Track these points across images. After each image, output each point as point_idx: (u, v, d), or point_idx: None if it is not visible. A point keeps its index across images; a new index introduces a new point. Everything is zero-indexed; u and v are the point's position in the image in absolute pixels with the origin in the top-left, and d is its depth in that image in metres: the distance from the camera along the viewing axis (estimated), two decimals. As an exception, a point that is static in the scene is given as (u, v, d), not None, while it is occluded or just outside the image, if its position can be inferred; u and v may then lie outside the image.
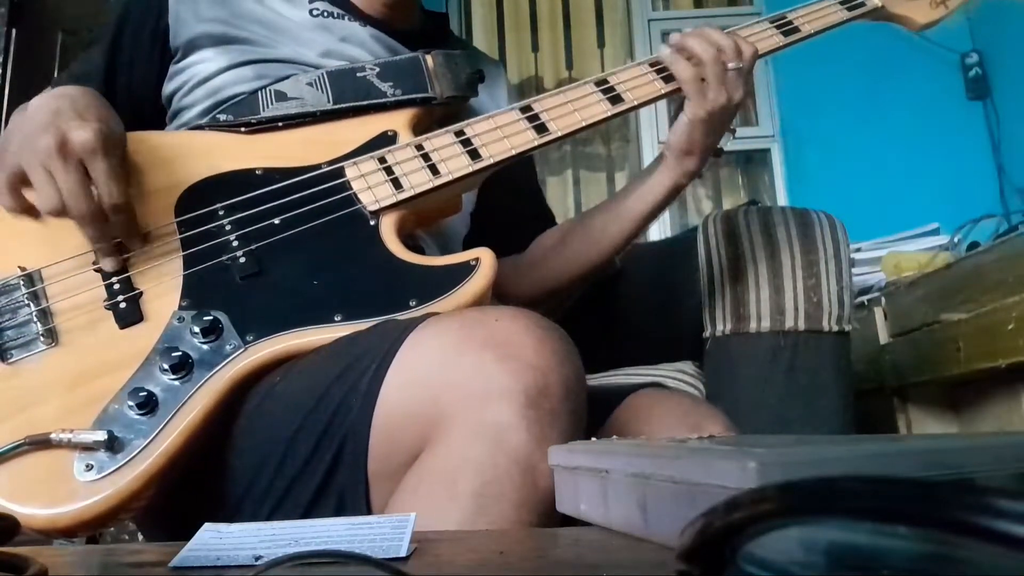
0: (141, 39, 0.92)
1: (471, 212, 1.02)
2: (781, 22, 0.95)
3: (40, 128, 0.70)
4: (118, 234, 0.74)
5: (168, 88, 0.91)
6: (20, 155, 0.72)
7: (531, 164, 1.16)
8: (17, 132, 0.74)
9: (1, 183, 0.73)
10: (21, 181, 0.72)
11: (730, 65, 0.87)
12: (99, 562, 0.51)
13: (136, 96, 0.92)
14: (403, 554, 0.41)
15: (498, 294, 1.04)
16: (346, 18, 0.94)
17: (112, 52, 0.92)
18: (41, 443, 0.65)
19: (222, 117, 0.85)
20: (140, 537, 0.90)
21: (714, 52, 0.87)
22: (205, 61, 0.89)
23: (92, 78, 0.90)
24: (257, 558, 0.41)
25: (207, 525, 0.47)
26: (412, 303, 0.73)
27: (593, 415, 0.67)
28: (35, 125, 0.71)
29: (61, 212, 0.71)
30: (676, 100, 0.91)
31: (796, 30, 0.95)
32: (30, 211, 0.73)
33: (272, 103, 0.85)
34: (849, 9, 0.97)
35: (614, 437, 0.60)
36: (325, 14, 0.93)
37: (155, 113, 0.92)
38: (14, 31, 2.20)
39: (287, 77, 0.88)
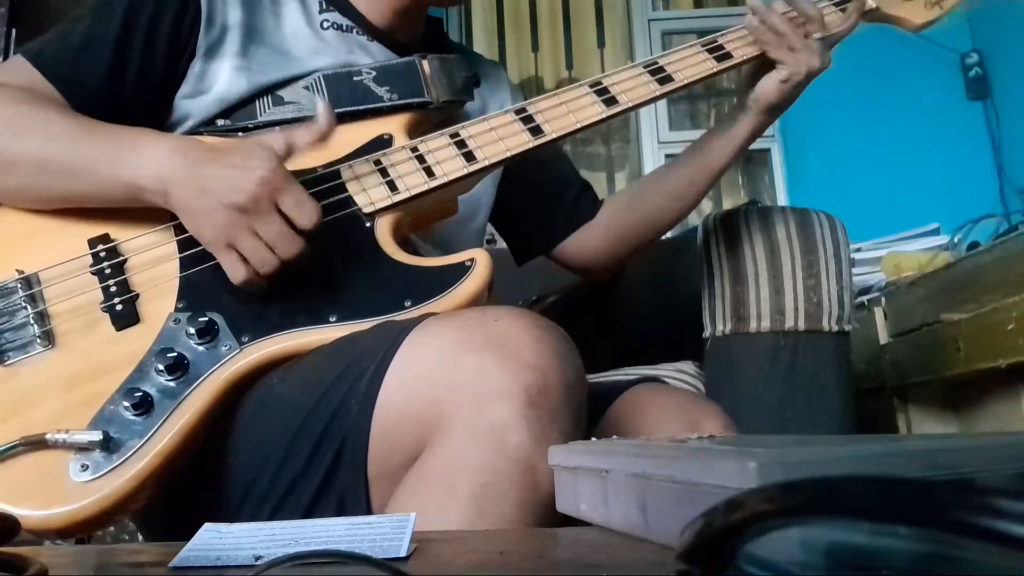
0: (159, 25, 0.84)
1: (488, 211, 1.03)
2: None
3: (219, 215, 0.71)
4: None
5: (182, 89, 0.86)
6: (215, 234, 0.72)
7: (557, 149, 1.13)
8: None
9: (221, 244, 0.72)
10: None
11: (816, 35, 0.92)
12: (99, 562, 0.51)
13: (147, 79, 0.84)
14: (403, 554, 0.41)
15: (582, 270, 1.10)
16: (355, 31, 0.93)
17: (126, 27, 0.83)
18: (37, 444, 0.65)
19: (220, 122, 0.85)
20: (140, 537, 0.90)
21: (793, 25, 0.91)
22: (224, 81, 0.84)
23: (97, 51, 0.82)
24: (257, 558, 0.41)
25: (207, 525, 0.47)
26: (407, 304, 0.73)
27: (591, 410, 0.67)
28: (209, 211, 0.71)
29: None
30: (752, 66, 0.96)
31: None
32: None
33: (269, 107, 0.85)
34: (844, 11, 0.96)
35: (614, 437, 0.60)
36: (336, 26, 0.93)
37: (163, 104, 0.86)
38: (14, 31, 2.20)
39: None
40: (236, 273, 0.72)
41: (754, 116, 0.97)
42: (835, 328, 1.05)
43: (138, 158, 0.74)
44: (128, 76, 0.84)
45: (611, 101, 0.88)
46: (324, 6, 0.93)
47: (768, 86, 0.94)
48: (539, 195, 1.08)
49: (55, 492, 0.64)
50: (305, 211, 0.72)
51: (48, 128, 0.77)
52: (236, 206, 0.70)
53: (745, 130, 0.98)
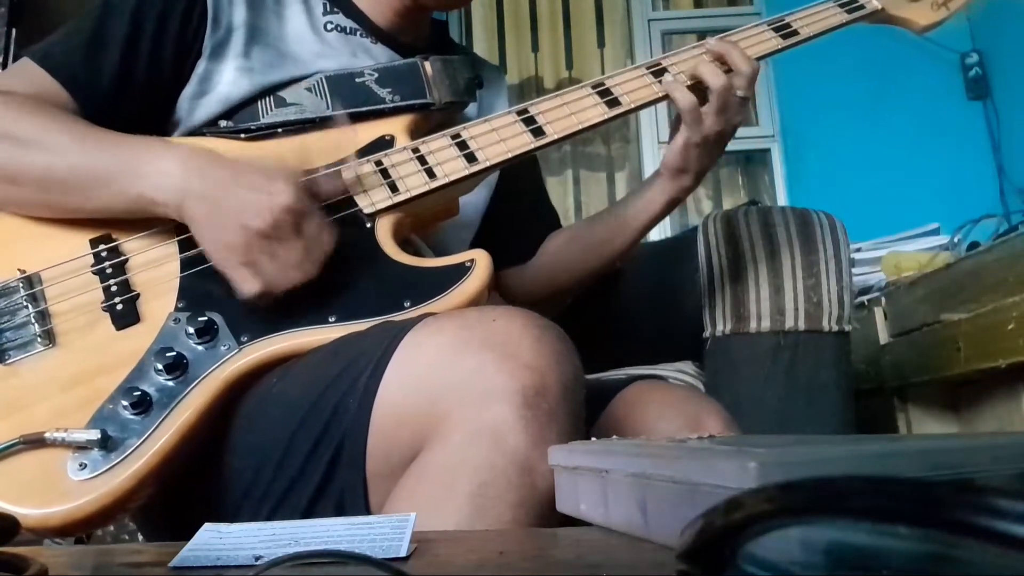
0: (167, 24, 0.84)
1: (481, 217, 1.02)
2: (779, 25, 0.94)
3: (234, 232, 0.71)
4: None
5: (187, 90, 0.86)
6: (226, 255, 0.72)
7: (537, 168, 1.16)
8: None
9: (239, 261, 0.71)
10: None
11: (738, 93, 0.87)
12: (98, 562, 0.51)
13: (155, 78, 0.84)
14: (403, 554, 0.41)
15: (503, 294, 1.05)
16: (359, 33, 0.93)
17: (134, 27, 0.83)
18: (36, 442, 0.66)
19: (223, 123, 0.85)
20: (140, 537, 0.90)
21: (725, 82, 0.86)
22: (227, 82, 0.84)
23: (106, 51, 0.82)
24: (257, 558, 0.41)
25: (207, 525, 0.47)
26: (406, 304, 0.74)
27: (589, 407, 0.67)
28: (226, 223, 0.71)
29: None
30: (675, 115, 0.91)
31: (795, 33, 0.93)
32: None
33: (271, 109, 0.85)
34: (849, 12, 0.95)
35: (614, 437, 0.60)
36: (339, 29, 0.93)
37: (168, 104, 0.86)
38: (14, 31, 2.20)
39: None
40: (249, 287, 0.71)
41: (666, 180, 0.93)
42: (835, 328, 1.05)
43: (149, 171, 0.74)
44: (137, 76, 0.84)
45: (613, 102, 0.88)
46: (328, 8, 0.93)
47: (671, 148, 0.90)
48: (508, 223, 1.06)
49: (53, 491, 0.64)
50: (325, 238, 0.73)
51: (57, 141, 0.76)
52: (258, 231, 0.70)
53: (658, 199, 0.94)
